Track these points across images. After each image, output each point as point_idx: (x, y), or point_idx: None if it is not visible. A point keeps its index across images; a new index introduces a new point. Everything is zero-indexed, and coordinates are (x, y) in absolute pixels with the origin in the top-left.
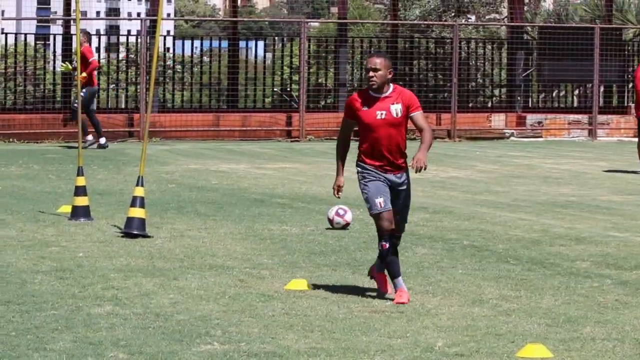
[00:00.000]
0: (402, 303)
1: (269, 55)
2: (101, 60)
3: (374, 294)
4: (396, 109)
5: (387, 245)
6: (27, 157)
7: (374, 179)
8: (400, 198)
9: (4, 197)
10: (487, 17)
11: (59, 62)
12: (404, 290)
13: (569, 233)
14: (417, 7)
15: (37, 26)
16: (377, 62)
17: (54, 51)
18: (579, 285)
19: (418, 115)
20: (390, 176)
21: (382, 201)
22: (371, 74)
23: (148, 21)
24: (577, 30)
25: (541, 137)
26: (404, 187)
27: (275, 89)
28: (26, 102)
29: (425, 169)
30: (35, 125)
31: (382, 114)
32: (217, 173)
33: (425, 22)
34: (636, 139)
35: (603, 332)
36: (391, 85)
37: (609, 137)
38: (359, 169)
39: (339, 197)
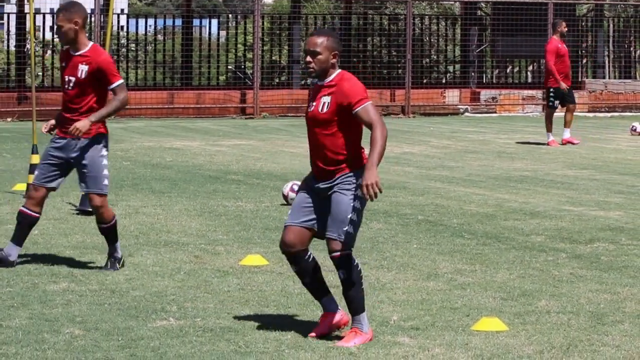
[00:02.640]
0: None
1: (223, 33)
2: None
3: (330, 268)
4: (325, 102)
5: (296, 269)
6: None
7: (301, 189)
8: (328, 208)
9: None
10: None
11: (13, 42)
12: (358, 333)
13: (523, 207)
14: None
15: None
16: (318, 42)
17: (8, 30)
18: (533, 259)
19: (361, 110)
20: (320, 184)
21: (289, 214)
22: (308, 58)
23: None
24: (530, 5)
25: (495, 112)
26: (335, 192)
27: (229, 67)
28: None
29: (379, 193)
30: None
31: (312, 106)
32: (172, 150)
33: None
34: (590, 114)
35: (558, 305)
36: (338, 70)
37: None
38: None
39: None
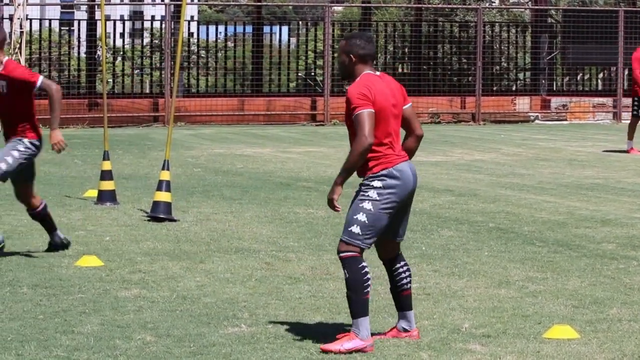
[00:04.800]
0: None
1: (293, 40)
2: (125, 46)
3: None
4: None
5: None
6: None
7: None
8: None
9: None
10: (511, 0)
11: (83, 48)
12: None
13: (594, 215)
14: None
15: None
16: (340, 45)
17: (79, 37)
18: (605, 267)
19: (354, 119)
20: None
21: None
22: None
23: (172, 6)
24: (601, 13)
25: (566, 120)
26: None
27: (299, 74)
28: None
29: (336, 211)
30: (61, 111)
31: None
32: (242, 157)
33: (449, 6)
34: None
35: (629, 314)
36: (364, 72)
37: None
38: None
39: None
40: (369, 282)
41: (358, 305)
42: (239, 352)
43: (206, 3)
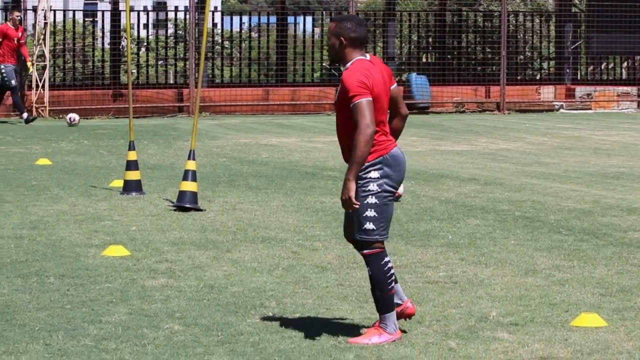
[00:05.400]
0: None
1: (317, 30)
2: (149, 37)
3: (429, 264)
4: (338, 89)
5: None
6: (77, 132)
7: None
8: None
9: (56, 173)
10: None
11: (107, 39)
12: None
13: (620, 204)
14: None
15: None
16: (330, 28)
17: (102, 28)
18: (631, 255)
19: (353, 108)
20: None
21: None
22: None
23: None
24: (625, 1)
25: (590, 109)
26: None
27: (323, 64)
28: (75, 79)
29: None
30: (85, 102)
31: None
32: (268, 147)
33: None
34: None
35: None
36: (356, 58)
37: None
38: None
39: None
40: (393, 277)
41: (384, 301)
42: (266, 340)
43: None
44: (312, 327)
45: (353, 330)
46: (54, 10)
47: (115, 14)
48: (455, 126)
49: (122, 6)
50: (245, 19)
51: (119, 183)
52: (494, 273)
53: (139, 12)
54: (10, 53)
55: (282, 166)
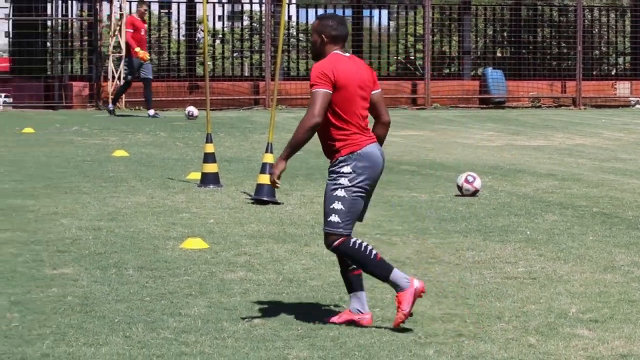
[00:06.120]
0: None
1: (392, 23)
2: (224, 29)
3: (508, 260)
4: None
5: None
6: (154, 124)
7: None
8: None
9: (133, 164)
10: None
11: (182, 31)
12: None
13: None
14: None
15: None
16: (313, 26)
17: (178, 19)
18: None
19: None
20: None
21: None
22: None
23: None
24: None
25: None
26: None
27: (398, 57)
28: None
29: (276, 187)
30: (161, 93)
31: None
32: None
33: None
34: None
35: None
36: (331, 53)
37: None
38: None
39: None
40: (370, 247)
41: (378, 269)
42: (346, 335)
43: None
44: (391, 321)
45: (433, 325)
46: (130, 1)
47: (191, 6)
48: (531, 121)
49: None
50: (320, 11)
51: (196, 175)
52: (573, 269)
53: (214, 4)
54: (138, 45)
55: None
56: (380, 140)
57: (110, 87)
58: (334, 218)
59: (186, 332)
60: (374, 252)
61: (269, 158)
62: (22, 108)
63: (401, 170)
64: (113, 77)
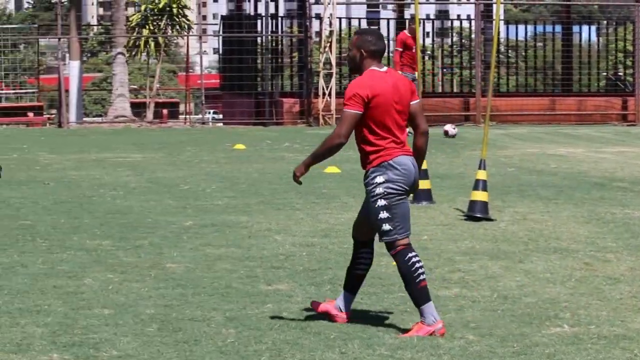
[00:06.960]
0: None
1: (601, 39)
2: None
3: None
4: None
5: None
6: None
7: None
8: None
9: (345, 181)
10: None
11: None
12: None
13: None
14: None
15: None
16: (352, 40)
17: (388, 35)
18: None
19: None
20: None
21: None
22: None
23: (482, 5)
24: None
25: None
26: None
27: (605, 73)
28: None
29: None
30: None
31: None
32: (555, 157)
33: None
34: None
35: None
36: (369, 69)
37: None
38: None
39: None
40: (421, 270)
41: (417, 294)
42: (562, 352)
43: (512, 2)
44: (607, 339)
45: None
46: (339, 18)
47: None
48: None
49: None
50: (530, 28)
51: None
52: None
53: (423, 20)
54: (409, 62)
55: (570, 176)
56: (421, 151)
57: (320, 103)
58: (385, 227)
59: (402, 349)
60: (422, 277)
61: (482, 175)
62: (232, 124)
63: (613, 187)
64: (323, 94)
